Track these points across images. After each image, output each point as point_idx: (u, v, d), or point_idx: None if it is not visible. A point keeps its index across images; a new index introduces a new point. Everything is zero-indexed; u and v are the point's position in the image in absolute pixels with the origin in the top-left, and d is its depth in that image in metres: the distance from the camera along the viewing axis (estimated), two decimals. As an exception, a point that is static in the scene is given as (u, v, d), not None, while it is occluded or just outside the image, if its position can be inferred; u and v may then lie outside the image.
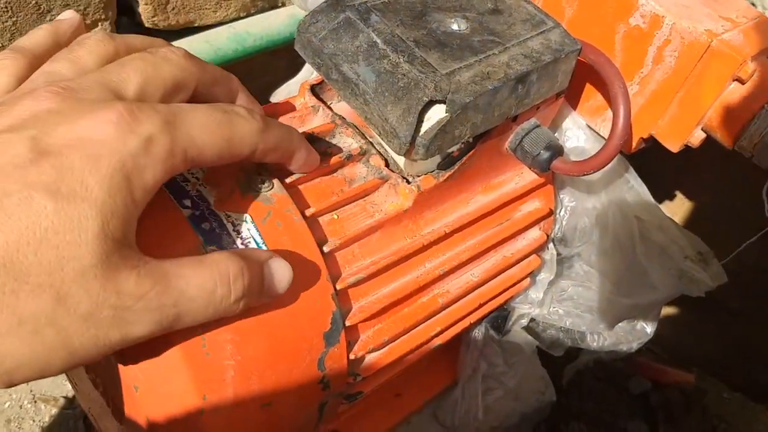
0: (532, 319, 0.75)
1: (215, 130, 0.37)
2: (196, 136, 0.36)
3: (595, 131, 0.62)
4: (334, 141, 0.52)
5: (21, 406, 1.06)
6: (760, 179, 0.60)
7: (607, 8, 0.56)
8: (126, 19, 0.94)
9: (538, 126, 0.55)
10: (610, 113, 0.60)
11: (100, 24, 0.89)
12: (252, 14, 1.02)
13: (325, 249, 0.47)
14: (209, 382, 0.40)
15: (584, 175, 0.56)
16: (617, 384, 1.18)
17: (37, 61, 0.40)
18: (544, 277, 0.71)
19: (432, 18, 0.50)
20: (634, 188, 0.66)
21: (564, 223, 0.67)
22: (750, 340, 1.17)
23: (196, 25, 0.98)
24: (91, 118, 0.33)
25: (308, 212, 0.47)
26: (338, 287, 0.48)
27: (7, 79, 0.38)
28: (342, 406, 0.56)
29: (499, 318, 0.72)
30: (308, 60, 0.50)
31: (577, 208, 0.66)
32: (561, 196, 0.66)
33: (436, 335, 0.60)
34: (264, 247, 0.43)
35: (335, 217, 0.50)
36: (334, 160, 0.50)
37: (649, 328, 0.79)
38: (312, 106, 0.54)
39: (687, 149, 0.59)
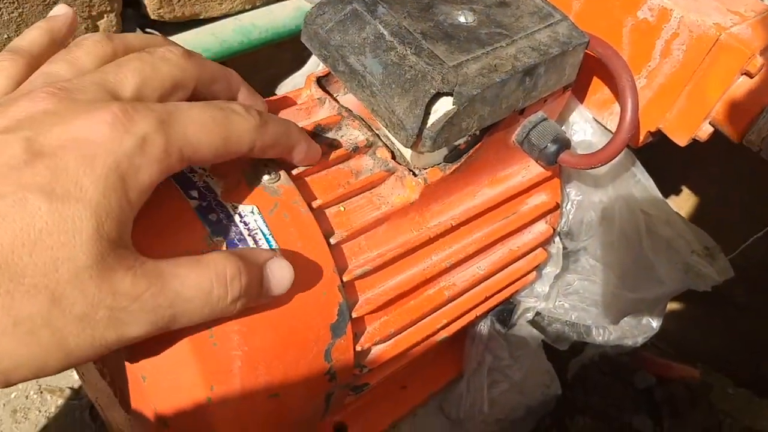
0: (538, 313, 0.75)
1: (211, 128, 0.37)
2: (192, 135, 0.36)
3: (602, 125, 0.62)
4: (340, 133, 0.52)
5: (27, 397, 1.07)
6: (767, 174, 0.60)
7: (614, 1, 0.56)
8: (131, 11, 0.94)
9: (545, 119, 0.55)
10: (617, 107, 0.60)
11: (105, 16, 0.89)
12: (257, 6, 1.02)
13: (332, 241, 0.47)
14: (216, 372, 0.40)
15: (591, 168, 0.56)
16: (622, 378, 1.18)
17: (35, 61, 0.40)
18: (550, 270, 0.71)
19: (439, 10, 0.50)
20: (641, 182, 0.66)
21: (570, 216, 0.67)
22: (757, 335, 1.17)
23: (201, 17, 0.98)
24: (86, 119, 0.33)
25: (315, 204, 0.47)
26: (345, 279, 0.48)
27: (6, 81, 0.38)
28: (348, 398, 0.56)
29: (505, 311, 0.72)
30: (315, 52, 0.50)
31: (584, 201, 0.66)
32: (567, 189, 0.66)
33: (442, 328, 0.60)
34: (271, 239, 0.43)
35: (342, 209, 0.50)
36: (340, 152, 0.50)
37: (655, 323, 0.79)
38: (318, 99, 0.54)
39: (694, 143, 0.59)
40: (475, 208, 0.57)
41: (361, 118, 0.52)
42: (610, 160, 0.54)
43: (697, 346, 1.26)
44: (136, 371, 0.41)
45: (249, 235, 0.42)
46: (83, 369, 0.54)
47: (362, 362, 0.53)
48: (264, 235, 0.43)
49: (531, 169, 0.61)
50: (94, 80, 0.36)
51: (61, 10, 0.44)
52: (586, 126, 0.62)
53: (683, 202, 1.15)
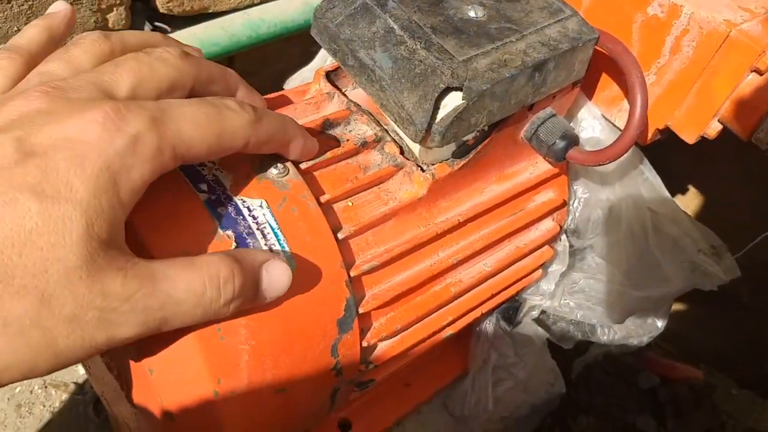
0: (543, 311, 0.75)
1: (205, 125, 0.37)
2: (185, 133, 0.36)
3: (610, 122, 0.62)
4: (349, 128, 0.52)
5: (32, 391, 1.07)
6: (776, 172, 0.60)
7: (624, -3, 0.56)
8: (141, 5, 0.94)
9: (554, 115, 0.55)
10: (625, 104, 0.59)
11: (115, 9, 0.89)
12: (266, 1, 1.02)
13: (340, 236, 0.47)
14: (224, 365, 0.40)
15: (600, 165, 0.55)
16: (626, 379, 1.18)
17: (33, 59, 0.40)
18: (556, 268, 0.71)
19: (449, 5, 0.49)
20: (649, 180, 0.66)
21: (577, 214, 0.67)
22: (761, 336, 1.17)
23: (210, 11, 0.98)
24: (78, 118, 0.33)
25: (323, 199, 0.47)
26: (352, 274, 0.48)
27: (3, 80, 0.38)
28: (353, 394, 0.56)
29: (511, 309, 0.72)
30: (324, 46, 0.50)
31: (591, 199, 0.66)
32: (575, 187, 0.66)
33: (448, 324, 0.59)
34: (279, 233, 0.43)
35: (349, 204, 0.50)
36: (348, 147, 0.50)
37: (660, 322, 0.79)
38: (327, 93, 0.54)
39: (702, 141, 0.58)
40: (482, 205, 0.57)
41: (370, 113, 0.52)
42: (619, 157, 0.54)
43: (701, 347, 1.25)
44: (143, 364, 0.41)
45: (257, 228, 0.42)
46: (89, 362, 0.53)
47: (368, 358, 0.53)
48: (272, 229, 0.43)
49: (539, 166, 0.61)
50: (89, 79, 0.36)
51: (59, 7, 0.44)
52: (595, 123, 0.62)
53: (690, 201, 1.15)
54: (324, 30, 0.50)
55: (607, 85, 0.60)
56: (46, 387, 1.07)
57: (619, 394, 1.16)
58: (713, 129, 0.57)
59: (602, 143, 0.61)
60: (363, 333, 0.51)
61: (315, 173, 0.49)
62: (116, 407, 0.51)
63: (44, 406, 1.06)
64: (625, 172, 0.65)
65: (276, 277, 0.40)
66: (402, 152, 0.51)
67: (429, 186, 0.51)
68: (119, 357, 0.45)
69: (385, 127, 0.52)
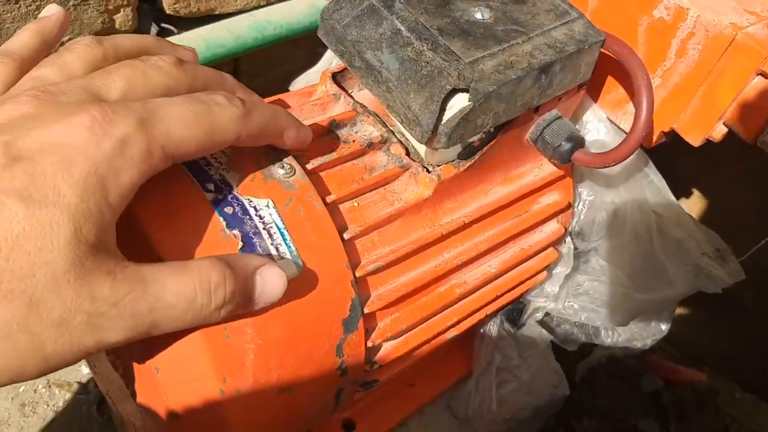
0: (547, 314, 0.75)
1: (193, 123, 0.36)
2: (174, 132, 0.35)
3: (615, 124, 0.62)
4: (355, 129, 0.52)
5: (35, 391, 1.07)
6: (781, 175, 0.60)
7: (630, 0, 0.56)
8: (147, 6, 0.95)
9: (559, 117, 0.55)
10: (631, 106, 0.60)
11: (122, 10, 0.89)
12: (272, 2, 1.02)
13: (345, 236, 0.48)
14: (229, 364, 0.40)
15: (605, 167, 0.56)
16: (629, 381, 1.18)
17: (25, 64, 0.40)
18: (561, 270, 0.71)
19: (455, 6, 0.50)
20: (654, 183, 0.66)
21: (582, 216, 0.67)
22: (765, 339, 1.16)
23: (216, 12, 0.98)
24: (66, 123, 0.32)
25: (329, 199, 0.47)
26: (357, 274, 0.48)
27: None
28: (358, 394, 0.56)
29: (515, 311, 0.72)
30: (331, 47, 0.50)
31: (596, 201, 0.66)
32: (579, 189, 0.66)
33: (453, 326, 0.60)
34: (285, 233, 0.43)
35: (355, 204, 0.50)
36: (354, 147, 0.50)
37: (664, 325, 0.79)
38: (333, 94, 0.54)
39: (707, 144, 0.59)
40: (487, 206, 0.57)
41: (376, 114, 0.53)
42: (624, 159, 0.54)
43: (705, 350, 1.25)
44: (149, 363, 0.41)
45: (264, 228, 0.42)
46: (95, 361, 0.54)
47: (373, 358, 0.53)
48: (279, 229, 0.43)
49: (544, 168, 0.61)
50: (79, 84, 0.36)
51: (51, 10, 0.44)
52: (600, 125, 0.62)
53: (694, 203, 1.15)
54: (331, 31, 0.50)
55: (613, 88, 0.60)
56: (50, 386, 1.08)
57: (622, 397, 1.15)
58: (718, 132, 0.57)
59: (607, 146, 0.61)
60: (368, 333, 0.51)
61: (321, 174, 0.49)
62: (121, 406, 0.52)
63: (48, 405, 1.06)
64: (630, 175, 0.65)
65: (270, 282, 0.39)
66: (408, 153, 0.51)
67: (434, 187, 0.51)
68: (125, 355, 0.45)
69: (391, 128, 0.52)
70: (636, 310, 0.74)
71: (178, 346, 0.40)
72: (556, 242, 0.67)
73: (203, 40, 0.92)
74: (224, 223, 0.41)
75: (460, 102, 0.45)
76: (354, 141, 0.51)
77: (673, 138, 0.60)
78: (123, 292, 0.33)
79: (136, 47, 0.43)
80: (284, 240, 0.43)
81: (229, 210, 0.41)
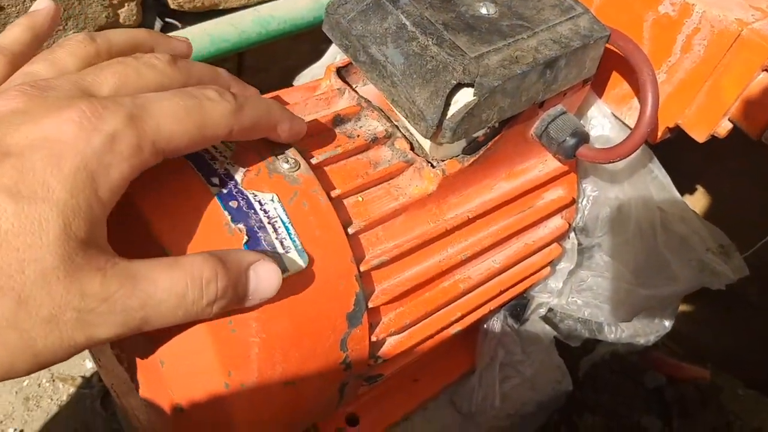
0: (551, 309, 0.75)
1: (184, 117, 0.36)
2: (165, 127, 0.35)
3: (620, 120, 0.62)
4: (359, 124, 0.52)
5: (39, 385, 1.08)
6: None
7: (636, -5, 0.56)
8: (152, 1, 0.95)
9: (564, 112, 0.55)
10: (635, 102, 0.60)
11: (126, 5, 0.89)
12: (276, -3, 1.03)
13: (350, 231, 0.48)
14: (234, 358, 0.41)
15: (610, 162, 0.55)
16: (632, 378, 1.18)
17: (17, 59, 0.40)
18: (564, 266, 0.71)
19: (460, 1, 0.49)
20: (658, 178, 0.66)
21: (586, 212, 0.67)
22: (769, 335, 1.16)
23: (220, 7, 0.99)
24: (55, 118, 0.32)
25: (333, 194, 0.47)
26: (362, 269, 0.48)
27: None
28: (362, 389, 0.56)
29: (518, 306, 0.72)
30: (336, 41, 0.50)
31: (600, 197, 0.66)
32: (584, 185, 0.66)
33: (456, 321, 0.60)
34: (290, 227, 0.43)
35: (360, 199, 0.50)
36: (359, 142, 0.50)
37: (668, 321, 0.79)
38: (338, 89, 0.54)
39: (711, 139, 0.58)
40: (491, 201, 0.57)
41: (380, 109, 0.53)
42: (630, 155, 0.54)
43: (708, 347, 1.25)
44: (154, 356, 0.41)
45: (269, 222, 0.42)
46: (100, 355, 0.54)
47: (377, 353, 0.53)
48: (283, 223, 0.43)
49: (548, 164, 0.61)
50: (70, 80, 0.36)
51: (42, 4, 0.44)
52: (605, 121, 0.62)
53: (699, 199, 1.15)
54: (336, 26, 0.50)
55: (617, 84, 0.60)
56: (53, 380, 1.08)
57: (625, 393, 1.16)
58: (723, 128, 0.57)
59: (612, 141, 0.61)
60: (372, 328, 0.51)
61: (326, 168, 0.49)
62: (126, 399, 0.52)
63: (52, 399, 1.07)
64: (634, 171, 0.65)
65: (265, 279, 0.39)
66: (412, 148, 0.51)
67: (439, 182, 0.51)
68: (130, 349, 0.45)
69: (396, 123, 0.52)
70: (640, 306, 0.74)
71: (183, 339, 0.40)
72: (560, 238, 0.67)
73: (207, 34, 0.92)
74: (229, 217, 0.41)
75: (465, 97, 0.45)
76: (358, 136, 0.51)
77: (677, 134, 0.60)
78: (113, 288, 0.33)
79: (130, 43, 0.42)
80: (289, 234, 0.43)
81: (233, 204, 0.42)
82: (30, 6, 0.80)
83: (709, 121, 0.56)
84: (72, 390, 1.07)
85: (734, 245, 0.70)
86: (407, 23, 0.47)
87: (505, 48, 0.47)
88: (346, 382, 0.50)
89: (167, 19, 0.95)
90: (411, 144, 0.51)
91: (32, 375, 1.08)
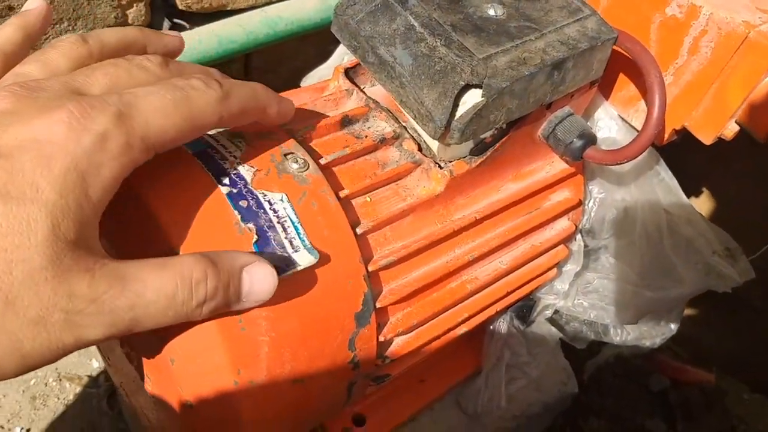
0: (556, 311, 0.75)
1: (172, 111, 0.36)
2: (153, 123, 0.35)
3: (627, 122, 0.62)
4: (367, 124, 0.52)
5: (46, 384, 1.08)
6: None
7: (643, -3, 0.56)
8: (160, 1, 0.95)
9: (571, 114, 0.55)
10: (642, 104, 0.60)
11: (135, 5, 0.90)
12: (284, -2, 1.03)
13: (358, 231, 0.48)
14: (244, 356, 0.41)
15: (617, 164, 0.56)
16: (637, 381, 1.18)
17: (9, 59, 0.40)
18: (571, 268, 0.71)
19: (469, 2, 0.50)
20: (665, 181, 0.66)
21: (592, 214, 0.67)
22: (774, 339, 1.16)
23: (228, 8, 0.99)
24: (45, 118, 0.32)
25: (342, 194, 0.48)
26: (370, 269, 0.48)
27: None
28: (369, 388, 0.56)
29: (525, 308, 0.72)
30: (344, 42, 0.51)
31: (606, 199, 0.66)
32: (590, 187, 0.66)
33: (463, 321, 0.60)
34: (299, 227, 0.43)
35: (368, 199, 0.50)
36: (367, 143, 0.51)
37: (673, 324, 0.79)
38: (346, 90, 0.54)
39: (718, 141, 0.59)
40: (499, 203, 0.57)
41: (388, 110, 0.53)
42: (637, 156, 0.55)
43: (713, 350, 1.25)
44: (164, 354, 0.41)
45: (278, 222, 0.42)
46: (109, 353, 0.54)
47: (384, 353, 0.53)
48: (292, 223, 0.43)
49: (555, 165, 0.61)
50: (61, 81, 0.36)
51: (34, 3, 0.44)
52: (611, 123, 0.62)
53: (704, 201, 1.15)
54: (344, 27, 0.50)
55: (624, 86, 0.60)
56: (60, 380, 1.08)
57: (630, 397, 1.16)
58: (730, 130, 0.57)
59: (618, 143, 0.61)
60: (380, 328, 0.51)
61: (334, 169, 0.49)
62: (135, 398, 0.52)
63: (58, 398, 1.07)
64: (641, 173, 0.65)
65: (259, 281, 0.39)
66: (420, 149, 0.51)
67: (447, 183, 0.51)
68: (140, 348, 0.45)
69: (404, 124, 0.53)
70: (645, 308, 0.74)
71: (194, 338, 0.40)
72: (567, 239, 0.67)
73: (215, 35, 0.93)
74: (239, 217, 0.41)
75: (473, 98, 0.46)
76: (367, 136, 0.51)
77: (682, 135, 0.61)
78: (102, 289, 0.32)
79: (122, 42, 0.42)
80: (298, 234, 0.43)
81: (243, 204, 0.42)
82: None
83: (715, 124, 0.57)
84: (79, 389, 1.08)
85: (740, 248, 0.71)
86: (416, 24, 0.47)
87: (513, 49, 0.47)
88: (354, 381, 0.50)
89: (175, 20, 0.96)
90: (419, 145, 0.52)
91: (38, 374, 1.08)
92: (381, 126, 0.52)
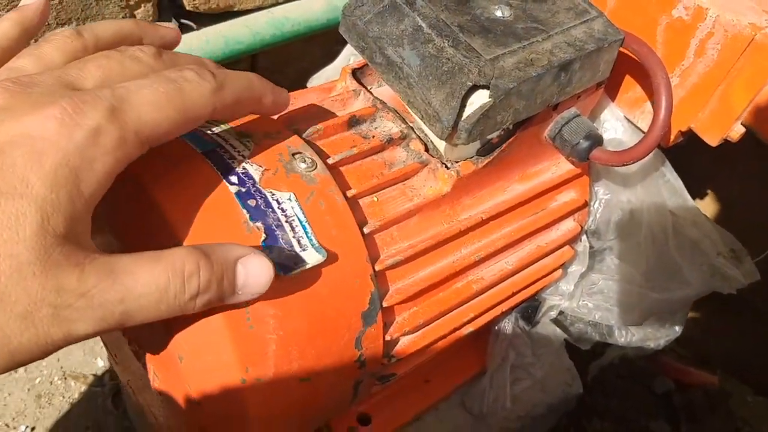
0: (561, 312, 0.75)
1: (165, 104, 0.36)
2: (147, 116, 0.35)
3: (633, 123, 0.62)
4: (374, 125, 0.53)
5: (51, 382, 1.08)
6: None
7: (650, -1, 0.57)
8: (167, 2, 0.95)
9: (578, 115, 0.56)
10: (648, 106, 0.60)
11: (142, 6, 0.90)
12: (291, 0, 1.03)
13: (365, 230, 0.48)
14: (252, 354, 0.41)
15: (623, 165, 0.56)
16: (641, 383, 1.18)
17: (5, 53, 0.40)
18: (576, 269, 0.71)
19: (476, 4, 0.50)
20: (670, 182, 0.66)
21: (598, 215, 0.67)
22: (778, 341, 1.16)
23: (235, 9, 0.99)
24: (37, 114, 0.32)
25: (349, 194, 0.48)
26: (377, 268, 0.48)
27: None
28: (374, 388, 0.56)
29: (530, 308, 0.73)
30: (352, 43, 0.51)
31: (612, 200, 0.67)
32: (596, 188, 0.66)
33: (469, 321, 0.60)
34: (307, 226, 0.43)
35: (375, 199, 0.50)
36: (374, 143, 0.51)
37: (678, 326, 0.79)
38: (353, 90, 0.55)
39: (723, 143, 0.59)
40: (505, 203, 0.57)
41: (395, 111, 0.53)
42: (643, 157, 0.55)
43: (716, 352, 1.25)
44: (172, 352, 0.42)
45: (286, 221, 0.43)
46: (116, 351, 0.54)
47: (390, 352, 0.53)
48: (300, 222, 0.43)
49: (561, 166, 0.62)
50: (54, 75, 0.35)
51: None
52: (617, 124, 0.62)
53: (708, 203, 1.15)
54: (352, 27, 0.50)
55: (630, 87, 0.61)
56: (65, 378, 1.09)
57: (634, 398, 1.15)
58: (736, 132, 0.57)
59: (624, 145, 0.61)
60: (386, 327, 0.51)
61: (341, 168, 0.49)
62: (142, 395, 0.52)
63: (63, 397, 1.07)
64: (646, 174, 0.65)
65: (254, 274, 0.38)
66: (427, 149, 0.52)
67: (453, 183, 0.51)
68: (148, 345, 0.46)
69: (411, 124, 0.53)
70: (650, 309, 0.74)
71: (202, 336, 0.40)
72: (572, 240, 0.67)
73: (222, 36, 0.93)
74: (247, 216, 0.41)
75: (480, 98, 0.46)
76: (374, 137, 0.52)
77: (688, 137, 0.61)
78: (91, 283, 0.32)
79: (117, 35, 0.42)
80: (306, 233, 0.43)
81: (252, 203, 0.42)
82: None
83: (722, 125, 0.57)
84: (84, 388, 1.08)
85: (745, 250, 0.71)
86: (423, 25, 0.48)
87: (520, 50, 0.47)
88: (360, 380, 0.50)
89: (182, 20, 0.96)
90: (426, 145, 0.52)
91: (44, 372, 1.08)
92: (388, 126, 0.53)
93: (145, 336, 0.45)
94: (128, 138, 0.34)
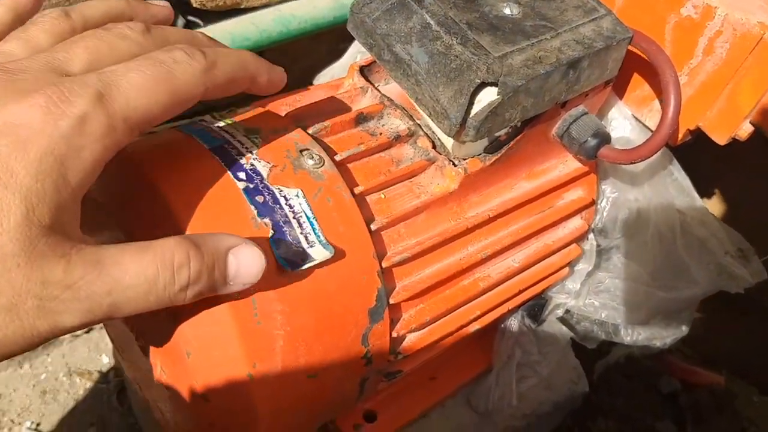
0: (567, 310, 0.75)
1: (153, 87, 0.35)
2: (135, 101, 0.34)
3: (641, 122, 0.62)
4: (382, 122, 0.53)
5: (56, 379, 1.08)
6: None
7: (658, -2, 0.56)
8: (174, -1, 0.96)
9: (586, 113, 0.55)
10: (656, 104, 0.60)
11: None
12: (297, -3, 1.03)
13: (372, 227, 0.48)
14: (259, 350, 0.41)
15: (631, 163, 0.56)
16: (647, 382, 1.18)
17: None
18: (583, 267, 0.71)
19: (484, 1, 0.50)
20: (678, 181, 0.66)
21: (605, 214, 0.67)
22: (786, 342, 1.16)
23: (242, 6, 0.99)
24: (22, 103, 0.32)
25: (357, 190, 0.48)
26: (384, 265, 0.49)
27: None
28: (380, 384, 0.56)
29: (536, 306, 0.73)
30: (360, 40, 0.51)
31: (619, 199, 0.66)
32: (603, 186, 0.66)
33: (475, 319, 0.60)
34: (314, 222, 0.43)
35: (382, 196, 0.50)
36: (382, 140, 0.51)
37: (684, 325, 0.78)
38: (361, 87, 0.55)
39: (731, 142, 0.59)
40: (512, 201, 0.57)
41: (403, 108, 0.53)
42: (651, 156, 0.55)
43: (722, 352, 1.25)
44: (180, 347, 0.42)
45: (294, 217, 0.43)
46: (124, 347, 0.54)
47: (397, 349, 0.53)
48: (308, 218, 0.43)
49: (568, 164, 0.61)
50: (41, 59, 0.35)
51: None
52: (625, 122, 0.62)
53: (717, 202, 1.14)
54: (360, 25, 0.50)
55: (638, 85, 0.60)
56: (70, 375, 1.09)
57: (639, 398, 1.15)
58: (744, 131, 0.57)
59: (632, 143, 0.61)
60: (393, 323, 0.51)
61: (349, 165, 0.49)
62: (149, 391, 0.52)
63: (68, 393, 1.07)
64: (654, 173, 0.65)
65: (246, 264, 0.37)
66: (434, 147, 0.52)
67: (461, 180, 0.51)
68: (156, 341, 0.46)
69: (418, 121, 0.53)
70: (657, 308, 0.74)
71: (210, 331, 0.40)
72: (579, 239, 0.67)
73: (229, 33, 0.93)
74: (255, 212, 0.42)
75: (488, 96, 0.46)
76: (381, 134, 0.52)
77: (696, 136, 0.61)
78: (77, 275, 0.32)
79: (107, 15, 0.42)
80: (313, 229, 0.43)
81: (260, 199, 0.42)
82: None
83: (730, 124, 0.57)
84: (89, 384, 1.08)
85: (753, 249, 0.70)
86: (432, 22, 0.48)
87: (528, 48, 0.47)
88: (366, 377, 0.50)
89: (190, 17, 0.96)
90: (433, 142, 0.52)
91: (49, 369, 1.09)
92: (395, 123, 0.53)
93: (153, 331, 0.45)
94: (116, 125, 0.34)
